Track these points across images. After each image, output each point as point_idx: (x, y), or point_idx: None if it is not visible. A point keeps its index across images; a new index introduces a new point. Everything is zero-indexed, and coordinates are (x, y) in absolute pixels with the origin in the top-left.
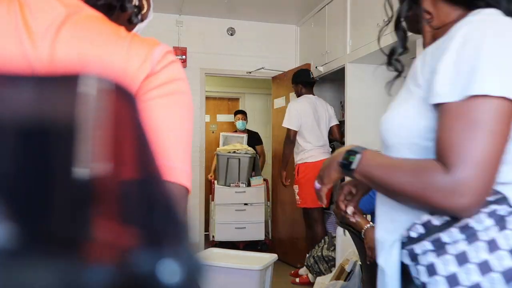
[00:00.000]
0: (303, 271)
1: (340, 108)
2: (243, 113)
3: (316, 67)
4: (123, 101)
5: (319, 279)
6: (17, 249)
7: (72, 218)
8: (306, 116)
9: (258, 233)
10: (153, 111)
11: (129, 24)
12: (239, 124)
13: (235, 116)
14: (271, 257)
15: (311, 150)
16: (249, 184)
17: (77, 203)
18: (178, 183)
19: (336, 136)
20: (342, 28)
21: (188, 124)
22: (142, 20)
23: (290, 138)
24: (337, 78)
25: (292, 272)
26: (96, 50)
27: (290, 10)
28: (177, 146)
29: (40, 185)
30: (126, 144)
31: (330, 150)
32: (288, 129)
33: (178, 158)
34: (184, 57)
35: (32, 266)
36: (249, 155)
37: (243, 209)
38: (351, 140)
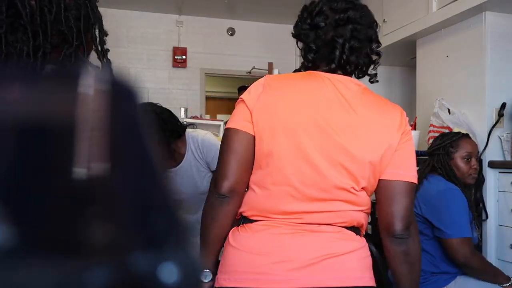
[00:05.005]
0: None
1: None
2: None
3: None
4: (123, 101)
5: None
6: (15, 250)
7: (71, 219)
8: None
9: None
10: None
11: None
12: None
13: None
14: None
15: None
16: None
17: (76, 203)
18: (410, 181)
19: None
20: None
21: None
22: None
23: None
24: None
25: None
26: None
27: (290, 10)
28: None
29: (38, 185)
30: (126, 145)
31: None
32: None
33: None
34: (184, 57)
35: (31, 267)
36: None
37: None
38: None
